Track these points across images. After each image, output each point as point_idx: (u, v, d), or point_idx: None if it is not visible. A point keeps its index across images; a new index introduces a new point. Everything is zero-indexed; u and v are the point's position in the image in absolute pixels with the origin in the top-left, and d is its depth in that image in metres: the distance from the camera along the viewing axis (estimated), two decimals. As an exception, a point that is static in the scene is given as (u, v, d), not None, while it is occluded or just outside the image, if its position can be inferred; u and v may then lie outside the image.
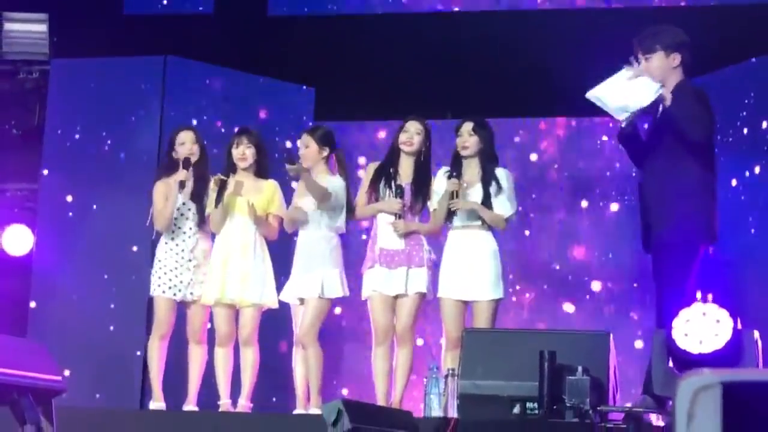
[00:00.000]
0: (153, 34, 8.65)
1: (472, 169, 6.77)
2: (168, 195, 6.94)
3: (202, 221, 6.98)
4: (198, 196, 7.00)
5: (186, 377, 6.96)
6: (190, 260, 6.94)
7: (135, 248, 8.20)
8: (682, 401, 1.64)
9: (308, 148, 6.86)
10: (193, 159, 7.01)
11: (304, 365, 6.73)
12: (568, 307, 8.60)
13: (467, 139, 6.75)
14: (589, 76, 6.05)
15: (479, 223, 6.67)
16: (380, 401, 6.57)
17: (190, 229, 6.98)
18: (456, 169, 6.72)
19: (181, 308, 7.00)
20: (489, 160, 6.78)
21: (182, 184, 6.88)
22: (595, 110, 6.13)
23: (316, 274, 6.71)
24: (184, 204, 6.99)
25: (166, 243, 6.98)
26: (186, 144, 7.03)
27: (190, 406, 6.83)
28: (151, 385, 6.98)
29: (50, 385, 2.73)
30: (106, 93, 8.58)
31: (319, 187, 6.66)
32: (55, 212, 8.54)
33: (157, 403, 6.86)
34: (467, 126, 6.78)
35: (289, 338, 7.06)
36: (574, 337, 5.75)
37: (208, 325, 7.04)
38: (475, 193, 6.70)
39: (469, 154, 6.76)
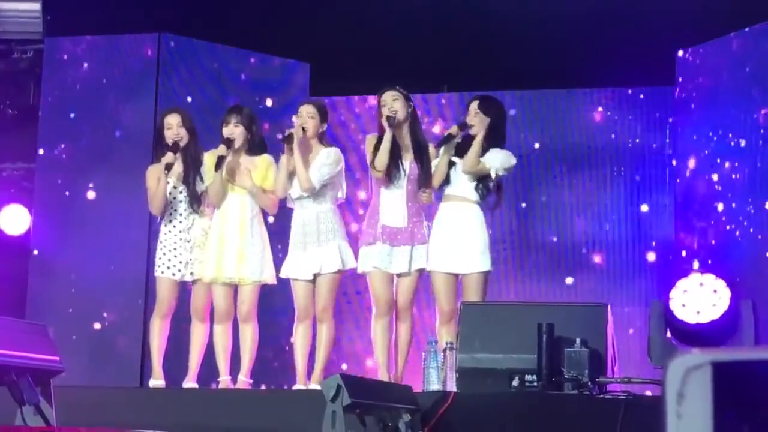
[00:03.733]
0: (147, 11, 8.63)
1: (471, 150, 6.66)
2: (158, 179, 6.93)
3: (194, 203, 6.95)
4: (189, 178, 6.98)
5: (184, 356, 6.97)
6: (187, 241, 6.93)
7: (131, 227, 8.21)
8: (672, 381, 1.65)
9: (314, 119, 6.82)
10: (182, 142, 6.98)
11: (307, 340, 6.74)
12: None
13: (472, 117, 6.72)
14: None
15: (468, 195, 6.66)
16: (382, 372, 6.59)
17: (185, 210, 6.97)
18: (462, 146, 6.70)
19: (184, 287, 7.00)
20: (491, 139, 6.74)
21: (168, 167, 6.86)
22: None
23: (331, 247, 6.71)
24: (175, 187, 6.98)
25: (165, 225, 6.99)
26: (173, 128, 6.99)
27: (190, 383, 6.85)
28: (151, 364, 6.99)
29: (49, 366, 2.74)
30: (100, 71, 8.58)
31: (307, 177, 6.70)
32: (51, 192, 8.54)
33: (156, 381, 6.88)
34: (474, 104, 6.76)
35: (288, 315, 7.04)
36: (571, 309, 5.76)
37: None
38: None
39: (474, 132, 6.73)
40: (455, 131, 6.70)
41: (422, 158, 6.73)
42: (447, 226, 6.65)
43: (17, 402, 2.64)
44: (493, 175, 6.65)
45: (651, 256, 8.58)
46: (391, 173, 6.67)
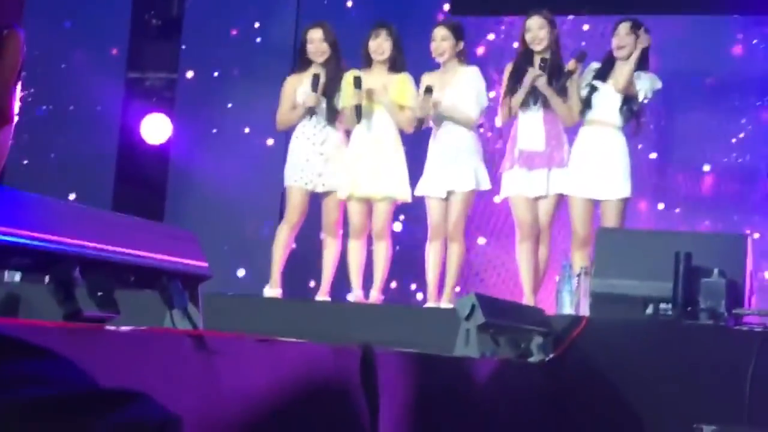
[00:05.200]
0: None
1: (621, 71, 6.60)
2: (295, 97, 6.92)
3: (332, 116, 6.97)
4: (329, 92, 6.98)
5: (311, 267, 7.01)
6: (321, 153, 6.94)
7: (270, 140, 8.30)
8: None
9: (446, 41, 6.80)
10: (323, 57, 6.97)
11: (439, 258, 6.76)
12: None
13: (624, 38, 6.59)
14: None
15: (611, 119, 6.57)
16: (527, 295, 6.60)
17: (320, 123, 6.98)
18: (605, 70, 6.61)
19: (315, 198, 7.03)
20: (641, 64, 6.62)
21: (311, 111, 6.88)
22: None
23: (468, 167, 6.70)
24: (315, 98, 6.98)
25: (297, 136, 7.00)
26: (315, 42, 6.99)
27: (323, 296, 6.92)
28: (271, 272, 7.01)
29: (197, 271, 2.80)
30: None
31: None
32: (193, 101, 8.67)
33: (273, 290, 6.90)
34: (625, 25, 6.63)
35: (417, 232, 7.05)
36: (710, 239, 5.68)
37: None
38: (612, 94, 6.57)
39: (623, 55, 6.60)
40: (573, 66, 6.61)
41: (559, 82, 6.64)
42: (588, 151, 6.58)
43: (167, 305, 2.70)
44: (641, 98, 6.55)
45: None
46: (527, 100, 6.62)
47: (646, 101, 6.61)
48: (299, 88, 6.96)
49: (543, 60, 6.63)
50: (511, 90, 6.70)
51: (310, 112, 6.91)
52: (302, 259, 7.14)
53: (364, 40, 6.95)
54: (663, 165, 8.68)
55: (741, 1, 8.40)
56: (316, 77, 6.85)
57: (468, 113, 6.74)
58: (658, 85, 6.63)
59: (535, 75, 6.58)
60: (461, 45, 6.85)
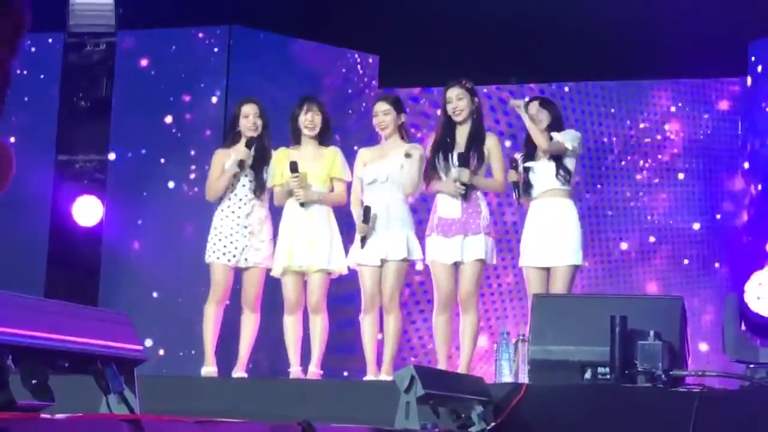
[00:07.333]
0: (217, 4, 8.69)
1: (539, 140, 6.76)
2: (224, 168, 6.94)
3: (258, 190, 6.98)
4: (257, 167, 6.99)
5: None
6: (245, 227, 6.94)
7: (199, 219, 8.27)
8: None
9: (388, 115, 6.84)
10: (256, 132, 7.01)
11: (375, 330, 6.75)
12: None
13: (536, 114, 6.78)
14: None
15: (554, 186, 6.65)
16: (441, 364, 6.58)
17: (246, 196, 6.97)
18: (530, 151, 6.78)
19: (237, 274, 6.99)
20: (553, 129, 6.77)
21: (242, 165, 6.90)
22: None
23: (400, 236, 6.72)
24: (241, 172, 6.97)
25: (222, 210, 6.98)
26: (249, 117, 7.02)
27: (240, 372, 6.86)
28: (204, 351, 6.96)
29: (132, 355, 2.77)
30: (172, 63, 8.65)
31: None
32: (123, 183, 8.63)
33: (209, 369, 6.88)
34: (535, 103, 6.83)
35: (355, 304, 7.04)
36: (645, 302, 5.71)
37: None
38: (544, 166, 6.68)
39: (539, 126, 6.76)
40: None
41: (477, 152, 6.72)
42: (538, 222, 6.71)
43: (102, 391, 2.67)
44: (569, 147, 6.67)
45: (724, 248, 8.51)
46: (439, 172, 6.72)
47: (574, 152, 6.72)
48: (227, 162, 6.97)
49: (460, 156, 6.68)
50: (434, 165, 6.75)
51: (242, 166, 6.91)
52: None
53: (291, 114, 6.97)
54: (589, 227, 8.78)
55: (662, 67, 8.57)
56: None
57: (414, 188, 6.78)
58: (579, 134, 6.84)
59: (457, 183, 6.64)
60: (402, 118, 6.90)
